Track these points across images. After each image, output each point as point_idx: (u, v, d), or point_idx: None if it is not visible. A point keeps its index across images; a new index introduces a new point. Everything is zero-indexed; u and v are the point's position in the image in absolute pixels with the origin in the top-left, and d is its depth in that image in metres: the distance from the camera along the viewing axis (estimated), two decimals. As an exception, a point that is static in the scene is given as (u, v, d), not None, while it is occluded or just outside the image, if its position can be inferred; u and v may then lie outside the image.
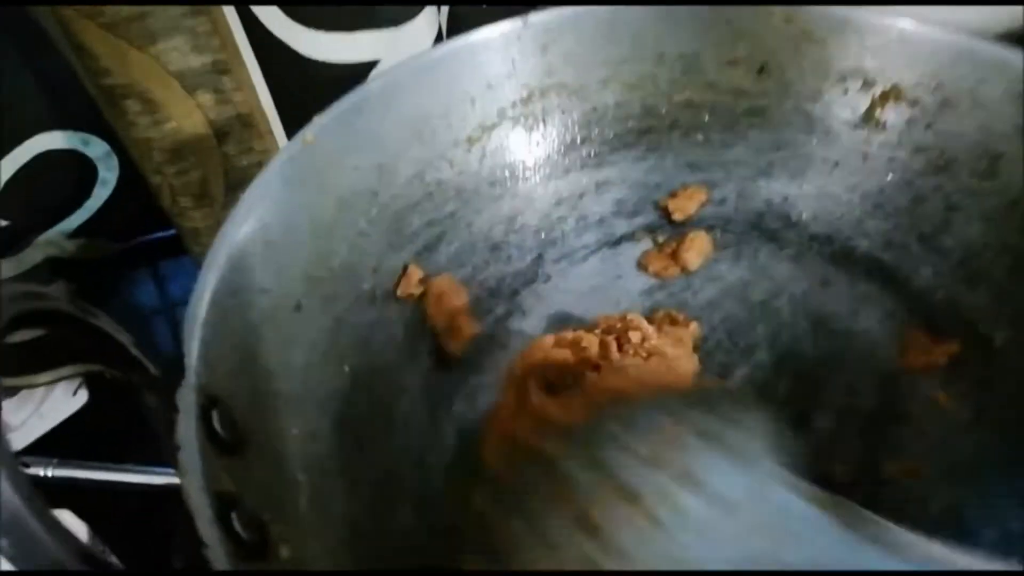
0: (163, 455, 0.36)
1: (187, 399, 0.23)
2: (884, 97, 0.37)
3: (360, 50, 0.43)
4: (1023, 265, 0.34)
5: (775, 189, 0.40)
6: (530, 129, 0.39)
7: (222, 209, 0.48)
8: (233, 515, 0.21)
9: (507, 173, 0.39)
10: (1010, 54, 0.34)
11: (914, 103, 0.36)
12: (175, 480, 0.21)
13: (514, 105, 0.38)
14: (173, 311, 0.53)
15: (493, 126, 0.38)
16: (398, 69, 0.35)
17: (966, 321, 0.35)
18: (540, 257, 0.40)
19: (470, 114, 0.37)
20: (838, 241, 0.39)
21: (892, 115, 0.37)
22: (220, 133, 0.49)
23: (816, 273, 0.38)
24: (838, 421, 0.34)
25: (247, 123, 0.49)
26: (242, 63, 0.43)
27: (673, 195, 0.40)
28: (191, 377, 0.23)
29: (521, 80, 0.38)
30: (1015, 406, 0.33)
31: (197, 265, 0.48)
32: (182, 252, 0.50)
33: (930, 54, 0.36)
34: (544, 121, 0.39)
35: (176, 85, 0.44)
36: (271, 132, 0.49)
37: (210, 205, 0.50)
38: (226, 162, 0.50)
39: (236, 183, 0.49)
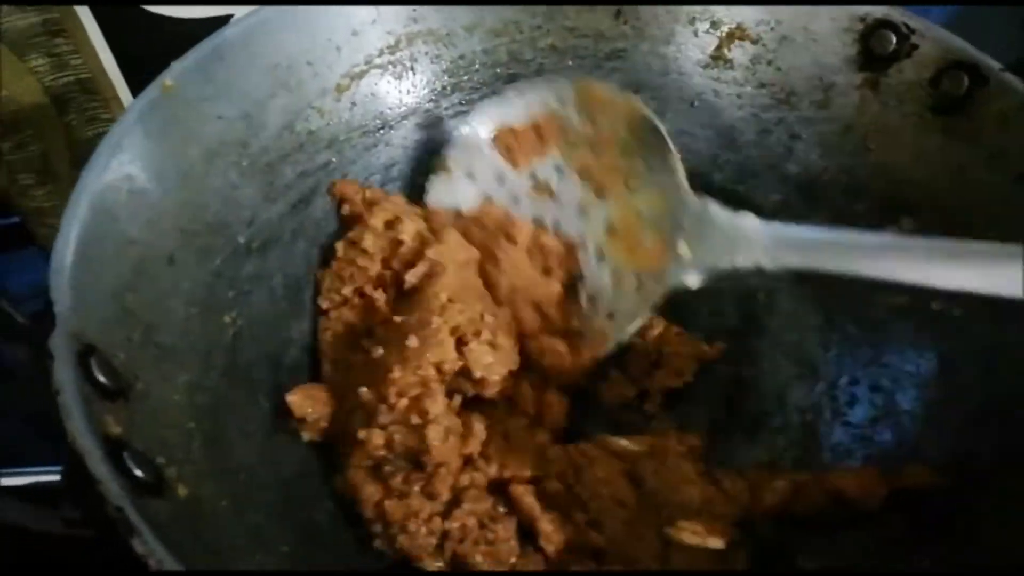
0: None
1: (61, 345, 0.22)
2: (730, 36, 0.39)
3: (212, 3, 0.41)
4: (855, 185, 0.37)
5: (637, 130, 0.42)
6: (399, 76, 0.39)
7: (68, 187, 0.45)
8: (125, 455, 0.21)
9: (379, 122, 0.39)
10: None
11: (756, 40, 0.39)
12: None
13: (381, 52, 0.38)
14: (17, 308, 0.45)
15: (361, 74, 0.38)
16: (257, 15, 0.34)
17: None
18: (419, 205, 0.40)
19: (336, 62, 0.37)
20: (697, 176, 0.41)
21: (738, 53, 0.40)
22: (59, 101, 0.45)
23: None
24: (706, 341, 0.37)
25: (89, 89, 0.45)
26: (78, 22, 0.40)
27: None
28: (64, 323, 0.22)
29: (386, 27, 0.38)
30: (854, 311, 0.36)
31: (43, 253, 0.44)
32: (23, 243, 0.46)
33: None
34: (413, 68, 0.39)
35: (2, 48, 0.40)
36: (118, 99, 0.45)
37: (54, 182, 0.47)
38: (69, 134, 0.46)
39: (83, 157, 0.46)
